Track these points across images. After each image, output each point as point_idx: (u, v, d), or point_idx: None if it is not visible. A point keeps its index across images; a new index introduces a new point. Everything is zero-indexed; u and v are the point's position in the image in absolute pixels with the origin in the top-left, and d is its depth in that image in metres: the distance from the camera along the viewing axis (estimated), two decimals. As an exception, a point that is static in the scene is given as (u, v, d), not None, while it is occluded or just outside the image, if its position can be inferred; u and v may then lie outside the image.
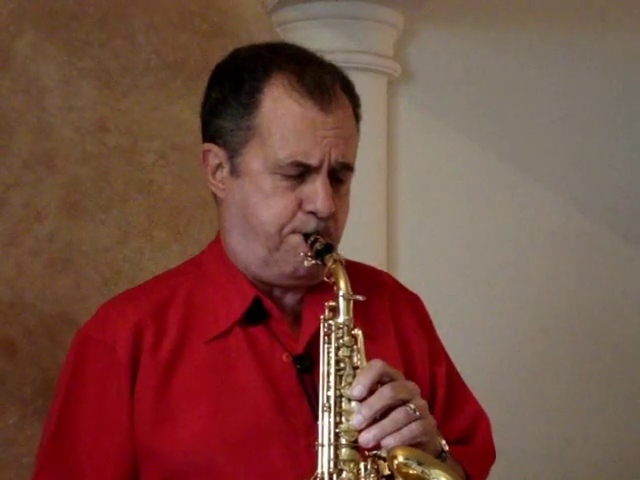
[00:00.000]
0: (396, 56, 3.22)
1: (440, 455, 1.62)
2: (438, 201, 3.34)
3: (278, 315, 1.71)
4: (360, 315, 1.64)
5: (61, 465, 1.68)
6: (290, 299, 1.74)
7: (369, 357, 1.59)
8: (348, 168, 1.70)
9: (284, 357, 1.68)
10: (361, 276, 1.68)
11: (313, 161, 1.64)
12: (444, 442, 1.63)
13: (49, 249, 2.84)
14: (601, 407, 3.41)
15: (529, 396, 3.34)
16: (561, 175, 3.43)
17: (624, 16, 3.40)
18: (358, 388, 1.54)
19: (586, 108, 3.43)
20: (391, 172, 3.24)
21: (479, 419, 1.86)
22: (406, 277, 2.95)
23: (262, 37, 3.04)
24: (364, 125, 3.01)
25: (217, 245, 1.78)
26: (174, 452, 1.63)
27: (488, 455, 1.85)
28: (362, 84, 2.99)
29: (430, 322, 1.90)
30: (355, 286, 1.63)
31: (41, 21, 2.84)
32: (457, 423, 1.81)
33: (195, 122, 2.96)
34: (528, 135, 3.39)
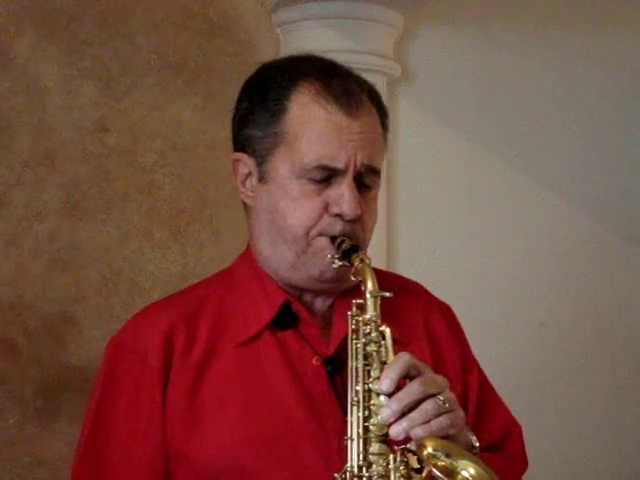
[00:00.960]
0: (396, 56, 3.22)
1: (470, 450, 1.63)
2: (438, 201, 3.34)
3: (307, 319, 1.73)
4: (392, 321, 1.65)
5: (95, 469, 1.70)
6: (321, 304, 1.76)
7: (397, 353, 1.60)
8: (374, 172, 1.71)
9: (314, 360, 1.70)
10: (393, 284, 1.69)
11: (339, 164, 1.67)
12: (475, 438, 1.64)
13: (49, 249, 2.84)
14: (607, 407, 3.41)
15: (531, 395, 3.34)
16: (561, 175, 3.43)
17: (625, 16, 3.40)
18: (386, 382, 1.55)
19: (587, 108, 3.43)
20: (391, 172, 3.24)
21: (511, 427, 1.87)
22: (405, 274, 2.96)
23: (262, 37, 3.04)
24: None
25: (247, 254, 1.80)
26: (205, 455, 1.65)
27: (520, 463, 1.86)
28: (362, 84, 3.04)
29: (462, 331, 1.91)
30: (387, 291, 1.64)
31: (41, 21, 2.84)
32: (488, 431, 1.82)
33: (195, 122, 2.99)
34: (528, 135, 3.39)
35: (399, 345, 1.65)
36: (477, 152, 3.35)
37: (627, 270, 3.47)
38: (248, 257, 1.79)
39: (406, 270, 3.19)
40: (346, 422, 1.59)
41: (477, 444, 1.64)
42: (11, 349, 2.80)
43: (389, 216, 3.23)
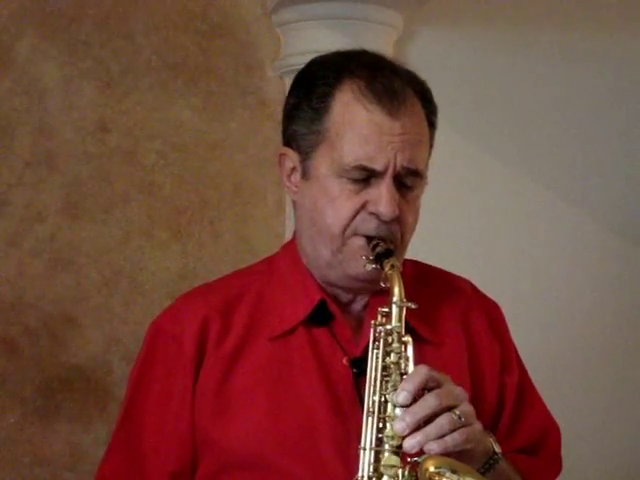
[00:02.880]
0: (396, 56, 3.20)
1: (492, 457, 1.63)
2: (438, 201, 3.33)
3: (342, 319, 1.74)
4: (426, 319, 1.67)
5: (128, 447, 1.74)
6: (357, 304, 1.77)
7: (443, 371, 1.59)
8: (415, 174, 1.72)
9: (344, 361, 1.70)
10: (436, 280, 1.72)
11: (377, 166, 1.67)
12: (497, 444, 1.64)
13: (50, 249, 2.84)
14: (609, 410, 3.41)
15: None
16: (561, 175, 3.43)
17: (625, 17, 3.40)
18: (403, 394, 1.55)
19: (587, 109, 3.43)
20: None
21: (548, 431, 1.87)
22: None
23: (262, 38, 3.05)
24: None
25: (292, 245, 1.81)
26: (229, 444, 1.67)
27: (553, 466, 1.86)
28: (362, 84, 3.03)
29: (505, 330, 1.91)
30: (426, 290, 1.68)
31: (42, 22, 2.84)
32: (524, 433, 1.82)
33: (195, 122, 2.99)
34: (528, 135, 3.39)
35: (429, 346, 1.68)
36: (477, 152, 3.35)
37: (628, 271, 3.47)
38: (292, 249, 1.80)
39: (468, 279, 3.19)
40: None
41: (499, 450, 1.64)
42: (11, 349, 2.81)
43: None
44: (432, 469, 1.49)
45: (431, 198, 3.33)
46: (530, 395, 1.88)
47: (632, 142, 3.48)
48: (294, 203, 1.79)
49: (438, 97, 3.31)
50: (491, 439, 1.65)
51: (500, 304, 3.34)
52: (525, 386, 1.87)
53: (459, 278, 1.93)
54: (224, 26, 3.03)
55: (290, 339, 1.72)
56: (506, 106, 3.38)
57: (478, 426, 1.59)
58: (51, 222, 2.85)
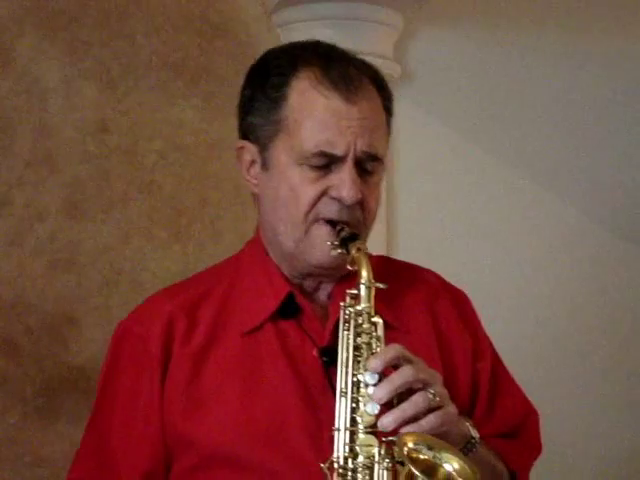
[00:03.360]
0: (396, 57, 3.22)
1: (469, 441, 1.63)
2: (437, 200, 3.35)
3: (310, 311, 1.74)
4: (392, 308, 1.67)
5: (97, 450, 1.73)
6: (321, 294, 1.77)
7: (391, 341, 1.60)
8: (375, 159, 1.71)
9: (314, 352, 1.70)
10: (402, 272, 1.72)
11: (338, 151, 1.67)
12: (475, 430, 1.64)
13: (50, 249, 2.84)
14: (604, 405, 3.42)
15: (530, 394, 3.35)
16: (561, 175, 3.44)
17: (625, 16, 3.40)
18: (375, 361, 1.55)
19: (586, 108, 3.44)
20: (391, 172, 3.24)
21: (527, 416, 1.87)
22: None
23: (262, 38, 3.05)
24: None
25: (255, 241, 1.81)
26: (202, 440, 1.66)
27: (533, 450, 1.86)
28: (362, 84, 3.04)
29: (475, 318, 1.90)
30: (393, 281, 1.65)
31: (42, 22, 2.84)
32: (502, 419, 1.82)
33: (195, 122, 2.99)
34: (527, 135, 3.40)
35: (396, 332, 1.67)
36: (477, 152, 3.36)
37: (627, 270, 3.48)
38: (256, 244, 1.80)
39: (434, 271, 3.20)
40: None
41: (477, 435, 1.64)
42: (12, 349, 2.80)
43: (389, 216, 3.23)
44: (411, 445, 1.49)
45: (431, 197, 3.36)
46: (505, 381, 1.88)
47: (632, 141, 3.48)
48: (255, 197, 1.78)
49: (438, 97, 3.34)
50: (468, 424, 1.65)
51: (495, 301, 3.36)
52: (499, 372, 1.87)
53: (426, 270, 1.93)
54: (224, 26, 3.04)
55: (259, 334, 1.72)
56: (506, 105, 3.38)
57: (453, 409, 1.59)
58: (51, 222, 2.85)
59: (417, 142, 3.31)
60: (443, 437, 1.55)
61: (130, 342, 1.75)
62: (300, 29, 3.07)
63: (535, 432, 1.87)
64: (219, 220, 2.98)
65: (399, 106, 3.23)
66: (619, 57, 3.42)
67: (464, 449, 1.63)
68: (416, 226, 3.31)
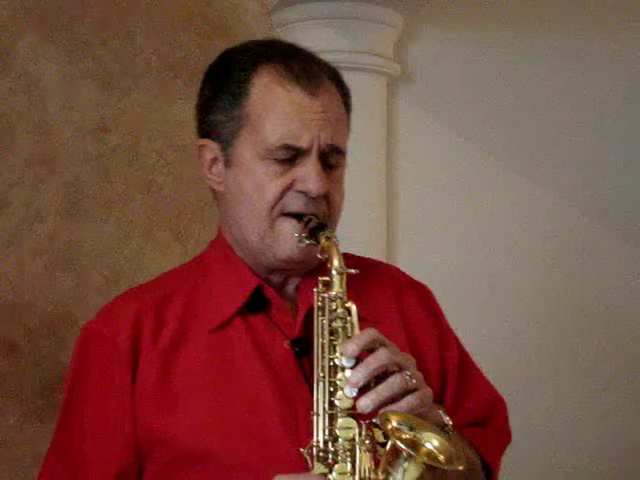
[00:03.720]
0: (396, 56, 3.22)
1: (442, 428, 1.63)
2: (437, 200, 3.34)
3: (279, 304, 1.74)
4: (361, 301, 1.65)
5: (67, 456, 1.71)
6: (289, 287, 1.77)
7: (362, 329, 1.61)
8: (338, 151, 1.72)
9: (285, 344, 1.70)
10: (366, 267, 1.70)
11: (302, 143, 1.67)
12: (448, 418, 1.65)
13: (50, 249, 2.84)
14: (604, 404, 3.42)
15: (526, 386, 3.35)
16: (561, 175, 3.43)
17: (624, 16, 3.40)
18: (351, 345, 1.56)
19: (586, 108, 3.44)
20: (391, 172, 3.24)
21: (495, 404, 1.87)
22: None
23: (262, 38, 3.04)
24: (364, 125, 3.02)
25: (218, 240, 1.81)
26: (176, 439, 1.65)
27: (503, 438, 1.86)
28: (362, 84, 3.04)
29: (439, 311, 1.91)
30: (358, 276, 1.65)
31: (42, 22, 2.84)
32: (470, 408, 1.83)
33: (195, 122, 2.99)
34: (527, 135, 3.39)
35: (366, 323, 1.66)
36: (477, 152, 3.35)
37: (627, 269, 3.48)
38: (220, 243, 1.80)
39: (406, 269, 3.20)
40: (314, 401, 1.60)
41: (450, 422, 1.65)
42: (11, 349, 2.80)
43: (389, 216, 3.23)
44: (394, 424, 1.51)
45: (431, 197, 3.36)
46: (472, 371, 1.89)
47: (632, 141, 3.48)
48: (218, 195, 1.78)
49: (438, 96, 3.34)
50: (440, 411, 1.66)
51: (495, 300, 3.36)
52: (465, 362, 1.88)
53: (388, 265, 1.95)
54: (224, 26, 3.03)
55: (228, 329, 1.71)
56: (506, 105, 3.38)
57: (428, 390, 1.61)
58: (51, 222, 2.85)
59: (417, 142, 3.31)
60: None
61: (98, 343, 1.73)
62: (300, 29, 3.07)
63: (504, 420, 1.87)
64: (219, 220, 2.98)
65: (399, 106, 3.28)
66: (619, 57, 3.42)
67: None
68: (416, 225, 3.30)
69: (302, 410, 1.64)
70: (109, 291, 2.86)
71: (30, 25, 2.83)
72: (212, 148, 1.75)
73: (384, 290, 1.82)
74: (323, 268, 1.67)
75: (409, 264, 3.24)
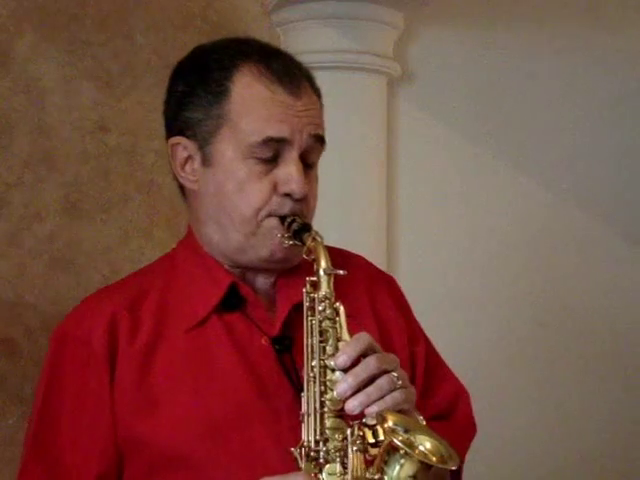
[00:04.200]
0: (396, 56, 3.22)
1: None
2: (437, 200, 3.34)
3: (254, 301, 1.73)
4: (337, 295, 1.66)
5: (45, 461, 1.70)
6: (263, 283, 1.76)
7: (350, 330, 1.63)
8: (321, 141, 1.72)
9: (263, 341, 1.70)
10: (335, 258, 1.69)
11: (285, 134, 1.67)
12: (421, 417, 1.65)
13: (49, 249, 2.84)
14: (597, 403, 3.42)
15: (525, 388, 3.35)
16: (561, 174, 3.43)
17: (624, 15, 3.40)
18: (343, 358, 1.57)
19: (586, 108, 3.44)
20: (391, 172, 3.24)
21: (459, 395, 1.88)
22: (405, 274, 2.97)
23: (262, 37, 3.03)
24: (364, 125, 3.02)
25: (189, 239, 1.80)
26: (156, 440, 1.64)
27: (468, 430, 1.87)
28: (362, 84, 3.04)
29: (407, 303, 1.92)
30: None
31: (41, 21, 2.84)
32: (436, 400, 1.84)
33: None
34: (528, 135, 3.39)
35: (349, 318, 1.66)
36: (477, 152, 3.36)
37: (627, 269, 3.47)
38: (190, 242, 1.78)
39: (406, 269, 3.21)
40: (296, 400, 1.61)
41: (424, 422, 1.65)
42: (11, 349, 2.80)
43: (389, 215, 3.23)
44: (390, 424, 1.53)
45: (431, 197, 3.36)
46: (437, 363, 1.90)
47: (632, 141, 3.48)
48: (190, 193, 1.76)
49: (438, 96, 3.34)
50: (415, 411, 1.66)
51: (496, 300, 3.35)
52: (432, 355, 1.89)
53: (355, 255, 1.93)
54: (224, 26, 3.03)
55: (205, 328, 1.70)
56: (506, 105, 3.38)
57: (413, 389, 1.63)
58: (51, 222, 2.85)
59: (417, 142, 3.31)
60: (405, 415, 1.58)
61: (72, 346, 1.72)
62: (300, 29, 3.07)
63: (468, 412, 1.88)
64: (219, 220, 2.98)
65: (399, 106, 3.28)
66: (620, 57, 3.42)
67: None
68: (416, 225, 3.30)
69: (284, 408, 1.65)
70: (109, 291, 2.86)
71: (29, 25, 2.83)
72: (187, 146, 1.74)
73: (355, 281, 1.81)
74: (301, 266, 1.69)
75: (409, 264, 3.27)
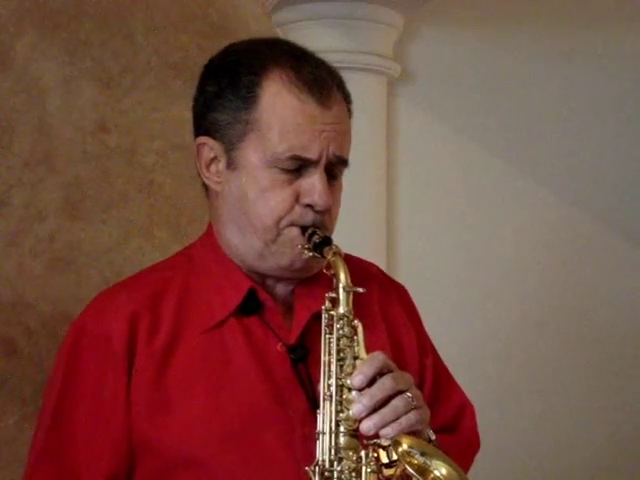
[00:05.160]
0: (396, 56, 3.23)
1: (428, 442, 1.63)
2: (437, 200, 3.35)
3: (272, 306, 1.73)
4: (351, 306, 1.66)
5: (57, 458, 1.68)
6: (281, 290, 1.76)
7: (368, 348, 1.62)
8: (344, 163, 1.71)
9: (278, 347, 1.70)
10: (350, 268, 1.68)
11: (312, 155, 1.66)
12: (432, 432, 1.65)
13: (50, 249, 2.84)
14: (606, 406, 3.42)
15: (529, 395, 3.35)
16: (561, 174, 3.44)
17: (624, 15, 3.41)
18: (359, 378, 1.57)
19: (586, 108, 3.44)
20: (391, 172, 3.25)
21: (464, 408, 1.88)
22: (405, 275, 2.96)
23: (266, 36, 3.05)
24: (364, 125, 3.02)
25: (209, 237, 1.79)
26: (170, 443, 1.64)
27: (473, 444, 1.88)
28: (362, 84, 3.04)
29: (417, 313, 1.92)
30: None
31: (41, 21, 2.84)
32: (443, 412, 1.83)
33: (195, 122, 2.99)
34: (528, 135, 3.40)
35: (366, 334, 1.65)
36: (477, 152, 3.36)
37: (628, 270, 3.48)
38: (211, 241, 1.78)
39: (406, 269, 3.21)
40: (310, 410, 1.61)
41: (434, 437, 1.65)
42: (11, 349, 2.80)
43: (389, 215, 3.23)
44: (405, 447, 1.52)
45: (431, 197, 3.36)
46: (445, 375, 1.90)
47: (633, 141, 3.48)
48: (213, 193, 1.76)
49: (438, 96, 3.34)
50: (427, 428, 1.65)
51: (496, 300, 3.36)
52: (439, 366, 1.89)
53: (369, 263, 1.93)
54: (224, 26, 3.03)
55: (222, 331, 1.70)
56: (506, 105, 3.38)
57: (426, 409, 1.62)
58: (51, 222, 2.85)
59: (417, 142, 3.31)
60: (417, 436, 1.58)
61: (91, 342, 1.70)
62: (300, 29, 3.07)
63: (473, 426, 1.88)
64: (219, 220, 2.98)
65: (399, 106, 3.28)
66: (620, 57, 3.42)
67: None
68: (416, 225, 3.30)
69: (298, 418, 1.65)
70: (109, 291, 2.86)
71: (29, 25, 2.83)
72: (213, 147, 1.73)
73: (369, 293, 1.79)
74: (320, 275, 1.69)
75: (409, 264, 3.27)
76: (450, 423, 1.85)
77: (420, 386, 1.79)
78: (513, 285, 3.37)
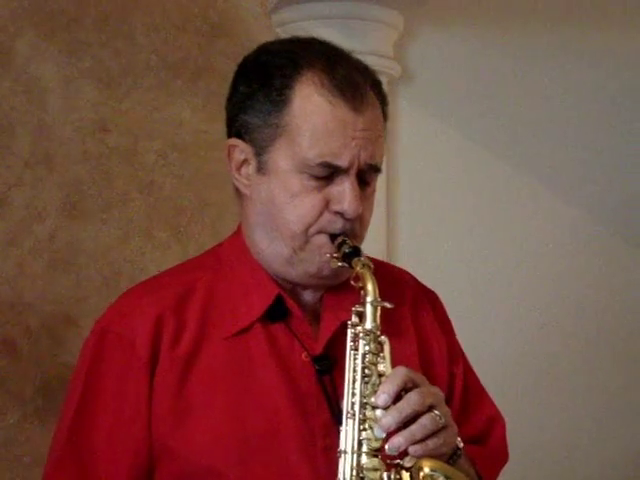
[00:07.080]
0: (396, 56, 3.22)
1: (455, 452, 1.61)
2: (438, 201, 3.34)
3: (299, 314, 1.70)
4: (381, 314, 1.63)
5: (77, 460, 1.66)
6: (309, 297, 1.73)
7: (394, 363, 1.59)
8: (376, 170, 1.68)
9: (303, 356, 1.67)
10: (382, 275, 1.66)
11: (342, 163, 1.62)
12: (459, 439, 1.62)
13: (49, 249, 2.84)
14: (607, 407, 3.42)
15: (531, 397, 3.35)
16: (561, 174, 3.43)
17: (625, 15, 3.40)
18: (383, 397, 1.53)
19: (587, 108, 3.44)
20: (391, 172, 3.24)
21: (495, 421, 1.85)
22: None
23: (262, 37, 3.03)
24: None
25: (238, 239, 1.76)
26: (189, 451, 1.62)
27: (501, 457, 1.85)
28: (362, 84, 3.03)
29: (448, 321, 1.89)
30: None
31: (41, 21, 2.84)
32: (473, 423, 1.81)
33: (195, 122, 2.99)
34: (528, 135, 3.39)
35: (393, 349, 1.63)
36: (477, 151, 3.36)
37: (628, 271, 3.47)
38: (240, 243, 1.75)
39: (406, 269, 3.20)
40: (333, 422, 1.59)
41: (461, 445, 1.62)
42: (11, 349, 2.80)
43: (389, 215, 3.23)
44: (427, 470, 1.49)
45: (431, 197, 3.36)
46: (475, 385, 1.87)
47: (633, 141, 3.48)
48: (242, 196, 1.73)
49: (438, 96, 3.34)
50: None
51: (496, 300, 3.35)
52: (470, 376, 1.86)
53: (401, 270, 1.91)
54: (224, 26, 3.03)
55: (247, 337, 1.67)
56: (506, 104, 3.38)
57: (455, 427, 1.59)
58: (51, 222, 2.85)
59: (417, 142, 3.31)
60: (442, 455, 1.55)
61: (114, 344, 1.67)
62: (300, 28, 3.07)
63: (502, 440, 1.85)
64: (219, 220, 2.98)
65: (399, 106, 3.28)
66: (620, 56, 3.42)
67: (450, 459, 1.61)
68: (416, 225, 3.30)
69: (319, 429, 1.62)
70: (109, 291, 2.86)
71: (29, 25, 2.83)
72: (244, 150, 1.68)
73: (399, 298, 1.76)
74: (348, 282, 1.65)
75: (409, 264, 3.25)
76: (480, 434, 1.82)
77: (449, 395, 1.77)
78: (513, 283, 3.37)
